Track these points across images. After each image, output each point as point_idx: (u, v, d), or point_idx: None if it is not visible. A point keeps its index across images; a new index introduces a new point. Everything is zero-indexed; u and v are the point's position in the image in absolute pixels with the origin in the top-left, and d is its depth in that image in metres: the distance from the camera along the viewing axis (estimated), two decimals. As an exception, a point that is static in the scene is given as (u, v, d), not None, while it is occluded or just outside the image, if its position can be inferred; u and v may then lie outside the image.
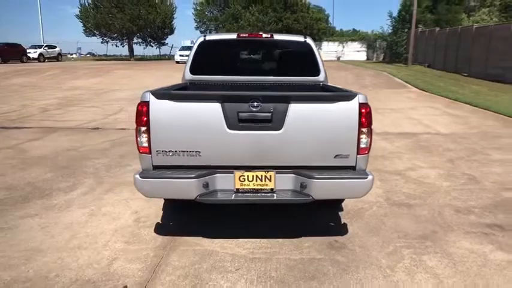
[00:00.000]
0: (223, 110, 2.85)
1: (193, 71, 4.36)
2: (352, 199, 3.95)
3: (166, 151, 2.91)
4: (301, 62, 4.46)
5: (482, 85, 16.43)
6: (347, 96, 2.98)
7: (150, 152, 2.92)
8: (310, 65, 4.36)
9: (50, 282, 2.70)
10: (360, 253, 3.13)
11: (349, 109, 2.92)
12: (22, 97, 12.66)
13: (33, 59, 31.83)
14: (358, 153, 2.97)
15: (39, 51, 33.14)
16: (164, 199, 3.88)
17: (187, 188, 2.88)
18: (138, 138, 2.93)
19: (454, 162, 5.77)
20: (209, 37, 4.45)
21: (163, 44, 44.85)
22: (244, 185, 2.98)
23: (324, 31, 45.56)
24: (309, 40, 4.41)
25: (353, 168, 3.01)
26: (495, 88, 15.41)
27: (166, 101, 2.88)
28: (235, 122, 2.86)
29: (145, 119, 2.87)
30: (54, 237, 3.35)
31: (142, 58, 44.58)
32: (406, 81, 17.88)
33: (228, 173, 2.97)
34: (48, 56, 33.93)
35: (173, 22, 42.12)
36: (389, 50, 34.50)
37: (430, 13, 30.42)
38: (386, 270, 2.88)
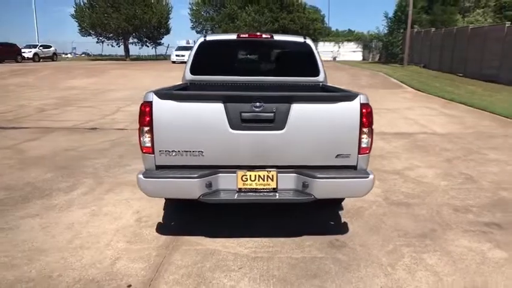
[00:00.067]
0: (226, 110, 2.88)
1: (193, 71, 4.38)
2: (352, 198, 3.99)
3: (169, 151, 2.92)
4: (301, 62, 4.49)
5: (477, 85, 16.59)
6: (348, 96, 3.02)
7: (153, 152, 2.94)
8: (310, 66, 4.39)
9: (53, 282, 2.71)
10: (361, 252, 3.16)
11: (351, 109, 2.95)
12: (19, 97, 12.59)
13: (28, 58, 31.61)
14: (359, 153, 3.00)
15: (34, 51, 32.92)
16: (165, 199, 3.89)
17: (191, 187, 2.90)
18: (141, 138, 2.94)
19: (451, 161, 5.84)
20: (209, 37, 4.47)
21: (159, 44, 44.73)
22: (247, 184, 3.00)
23: (319, 31, 45.70)
24: (308, 41, 4.44)
25: (354, 167, 3.04)
26: (489, 88, 15.56)
27: (170, 101, 2.90)
28: (238, 122, 2.88)
29: (148, 119, 2.89)
30: (56, 237, 3.35)
31: (138, 58, 44.38)
32: (402, 82, 18.01)
33: (230, 172, 2.99)
34: (43, 55, 33.71)
35: (169, 22, 42.02)
36: (385, 51, 34.70)
37: (426, 14, 30.61)
38: (387, 269, 2.92)
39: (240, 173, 2.99)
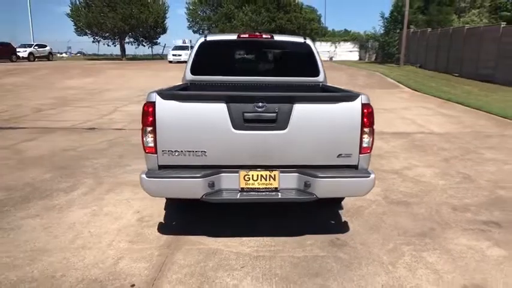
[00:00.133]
0: (228, 110, 2.89)
1: (194, 71, 4.39)
2: (352, 197, 4.02)
3: (172, 151, 2.94)
4: (301, 62, 4.52)
5: (473, 85, 16.71)
6: (350, 96, 3.05)
7: (156, 152, 2.95)
8: (310, 66, 4.42)
9: (56, 282, 2.71)
10: (362, 250, 3.19)
11: (352, 109, 2.98)
12: (15, 97, 12.52)
13: (23, 58, 31.39)
14: (360, 153, 3.03)
15: (29, 50, 32.68)
16: (166, 199, 3.90)
17: (193, 187, 2.92)
18: (144, 138, 2.95)
19: (449, 161, 5.89)
20: (210, 38, 4.48)
21: (156, 44, 44.61)
22: (249, 184, 3.02)
23: (316, 31, 45.77)
24: (308, 41, 4.47)
25: (355, 167, 3.07)
26: (485, 88, 15.69)
27: (172, 101, 2.91)
28: (241, 122, 2.90)
29: (151, 119, 2.90)
30: (58, 237, 3.35)
31: (134, 58, 44.26)
32: (398, 82, 18.09)
33: (233, 172, 3.01)
34: (38, 55, 33.46)
35: (165, 21, 41.93)
36: (382, 51, 34.81)
37: (422, 14, 30.77)
38: (388, 267, 2.95)
39: (243, 172, 3.01)
